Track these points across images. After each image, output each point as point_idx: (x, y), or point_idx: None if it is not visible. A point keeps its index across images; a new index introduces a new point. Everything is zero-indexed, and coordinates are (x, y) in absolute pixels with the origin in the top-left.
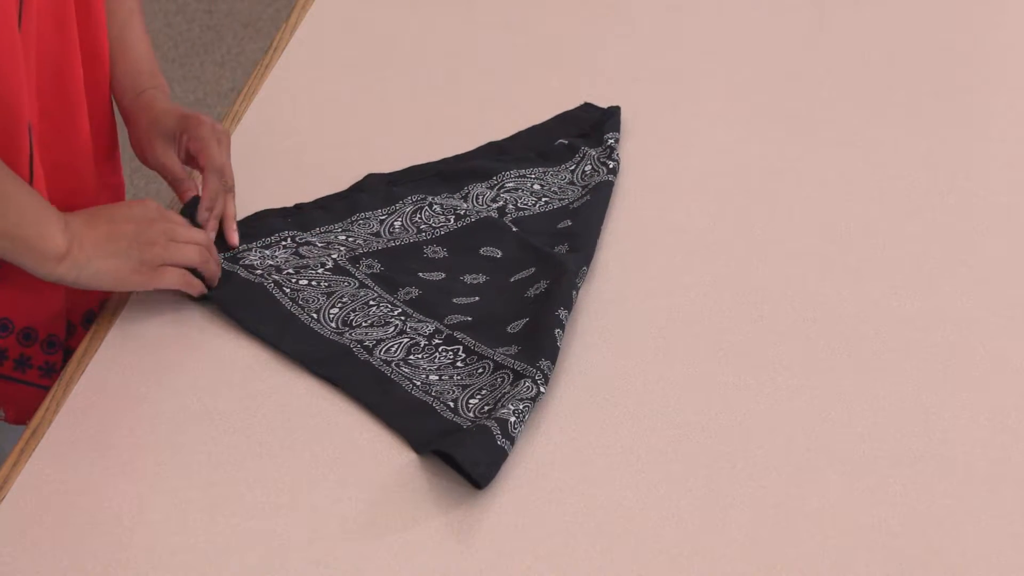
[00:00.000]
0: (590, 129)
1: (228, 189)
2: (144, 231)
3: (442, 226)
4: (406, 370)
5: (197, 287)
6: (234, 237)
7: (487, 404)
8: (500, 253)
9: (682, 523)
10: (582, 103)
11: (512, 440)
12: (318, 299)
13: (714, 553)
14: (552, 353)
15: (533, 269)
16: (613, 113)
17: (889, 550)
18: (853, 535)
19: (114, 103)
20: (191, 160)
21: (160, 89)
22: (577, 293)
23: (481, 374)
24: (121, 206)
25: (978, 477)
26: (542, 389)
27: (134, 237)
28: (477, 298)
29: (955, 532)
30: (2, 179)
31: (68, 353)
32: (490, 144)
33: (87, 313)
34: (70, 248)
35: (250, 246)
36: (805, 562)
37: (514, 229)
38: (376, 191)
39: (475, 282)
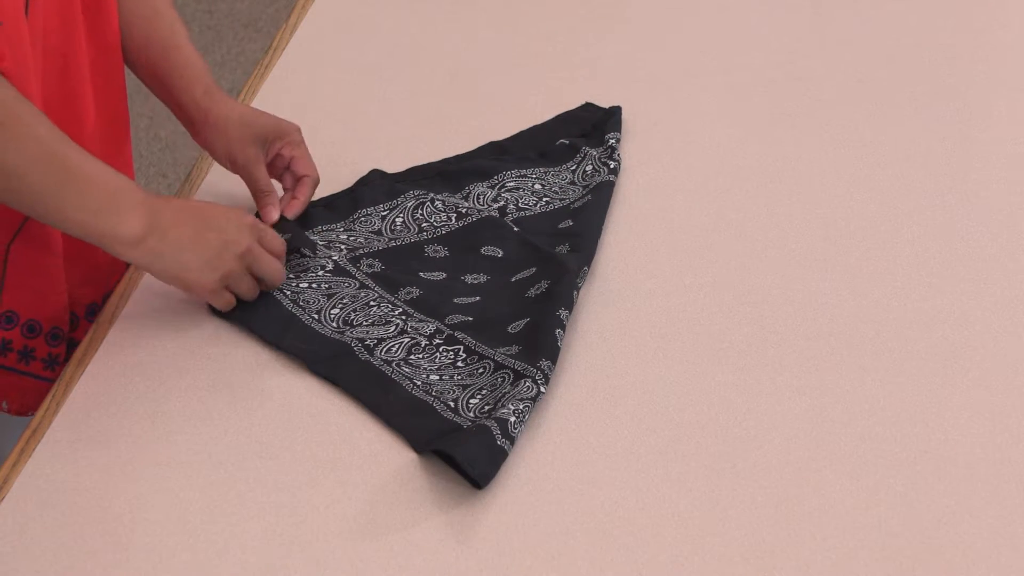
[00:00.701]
0: (591, 129)
1: (314, 188)
2: (229, 249)
3: (443, 225)
4: (406, 370)
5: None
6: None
7: (487, 404)
8: (501, 253)
9: (682, 523)
10: (583, 103)
11: (512, 440)
12: (319, 300)
13: (714, 553)
14: (553, 353)
15: (534, 269)
16: (614, 113)
17: (889, 550)
18: (853, 535)
19: (127, 98)
20: (274, 165)
21: (217, 85)
22: (578, 293)
23: (482, 374)
24: (219, 210)
25: (978, 477)
26: (542, 389)
27: (216, 251)
28: (478, 298)
29: (955, 532)
30: (86, 163)
31: (72, 344)
32: (491, 144)
33: (91, 306)
34: (146, 237)
35: None
36: (805, 562)
37: (515, 229)
38: (379, 186)
39: (476, 282)
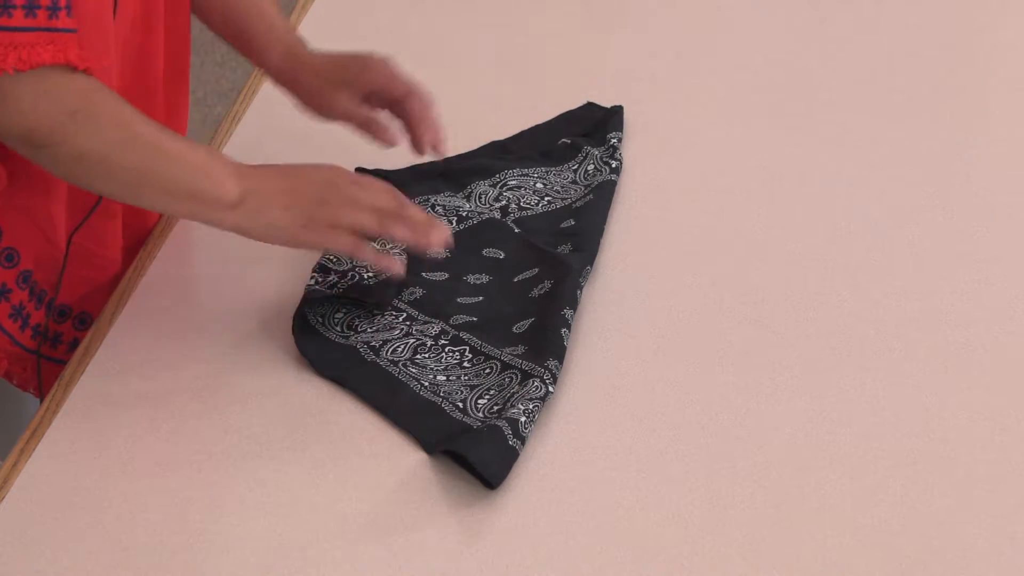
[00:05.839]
0: (593, 128)
1: (430, 103)
2: (323, 192)
3: None
4: (413, 370)
5: (369, 255)
6: (442, 146)
7: (496, 404)
8: (503, 254)
9: (682, 523)
10: (585, 102)
11: (523, 440)
12: (322, 303)
13: (714, 553)
14: (559, 352)
15: (536, 269)
16: (616, 112)
17: (889, 550)
18: (853, 535)
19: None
20: (370, 100)
21: (301, 41)
22: (581, 292)
23: (489, 374)
24: (307, 166)
25: (978, 477)
26: (551, 389)
27: (312, 196)
28: (481, 298)
29: (955, 532)
30: (170, 140)
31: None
32: (493, 143)
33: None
34: (244, 197)
35: None
36: (805, 562)
37: (516, 230)
38: None
39: (479, 282)
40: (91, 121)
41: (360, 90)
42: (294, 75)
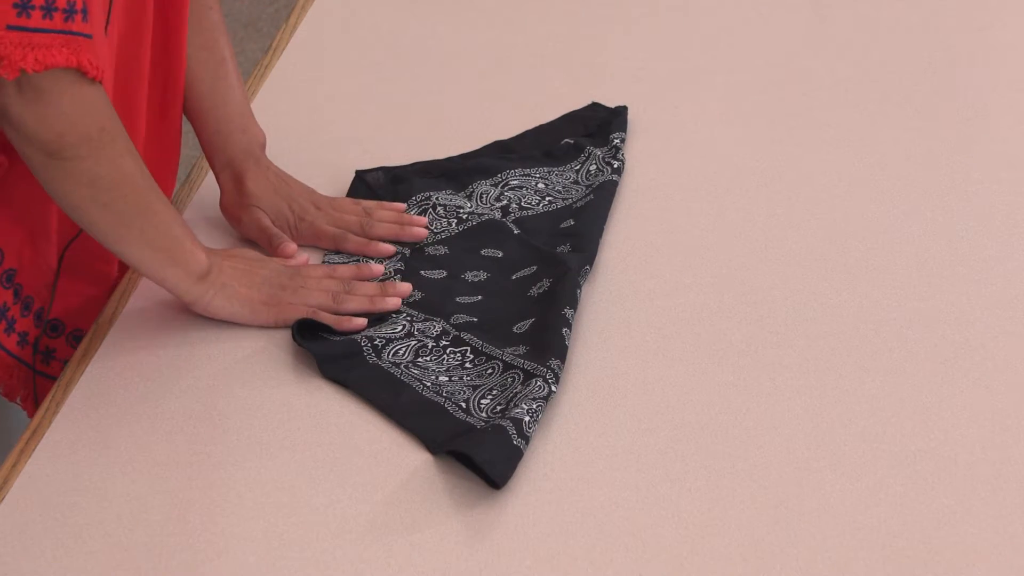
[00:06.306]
0: (596, 128)
1: (361, 235)
2: (279, 278)
3: (443, 231)
4: (415, 372)
5: (329, 320)
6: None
7: (499, 404)
8: (501, 254)
9: (682, 523)
10: (590, 102)
11: (527, 440)
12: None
13: (714, 553)
14: (561, 352)
15: (535, 267)
16: (620, 112)
17: (889, 550)
18: (853, 535)
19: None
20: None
21: (250, 149)
22: (580, 292)
23: (491, 375)
24: (257, 254)
25: (978, 477)
26: (553, 388)
27: (269, 279)
28: (480, 297)
29: (955, 532)
30: (154, 198)
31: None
32: (496, 143)
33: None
34: (211, 269)
35: None
36: (805, 562)
37: (515, 231)
38: (382, 188)
39: (476, 279)
40: (115, 143)
41: (285, 225)
42: (223, 183)
